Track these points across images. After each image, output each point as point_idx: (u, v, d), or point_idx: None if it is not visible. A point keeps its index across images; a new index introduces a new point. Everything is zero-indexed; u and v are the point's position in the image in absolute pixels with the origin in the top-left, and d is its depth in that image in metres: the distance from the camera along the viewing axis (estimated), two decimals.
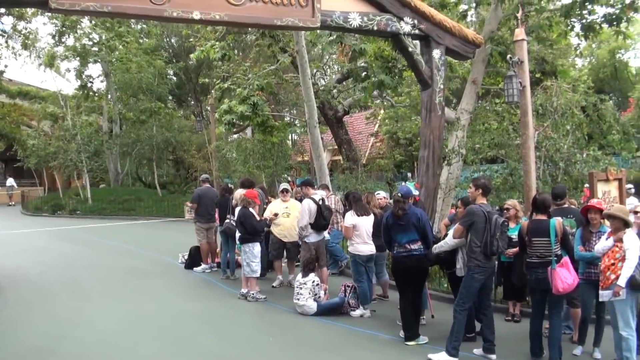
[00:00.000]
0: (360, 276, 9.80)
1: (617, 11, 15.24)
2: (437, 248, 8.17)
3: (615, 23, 15.52)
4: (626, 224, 7.13)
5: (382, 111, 28.68)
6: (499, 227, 7.34)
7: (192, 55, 18.51)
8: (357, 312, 9.70)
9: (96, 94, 36.61)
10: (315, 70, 21.62)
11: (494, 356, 7.66)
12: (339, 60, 23.44)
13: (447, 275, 9.02)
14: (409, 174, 21.27)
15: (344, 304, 9.79)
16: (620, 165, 17.94)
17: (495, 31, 15.35)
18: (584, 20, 15.77)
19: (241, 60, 22.46)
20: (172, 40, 39.94)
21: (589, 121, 12.41)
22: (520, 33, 10.79)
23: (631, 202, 14.44)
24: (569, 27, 16.01)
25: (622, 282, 6.86)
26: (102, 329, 8.77)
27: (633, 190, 15.82)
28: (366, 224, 9.71)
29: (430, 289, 10.38)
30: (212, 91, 26.63)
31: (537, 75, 15.72)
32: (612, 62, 50.09)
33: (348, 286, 9.97)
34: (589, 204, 7.95)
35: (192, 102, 42.29)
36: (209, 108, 30.08)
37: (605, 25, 15.71)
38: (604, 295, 7.12)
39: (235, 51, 25.13)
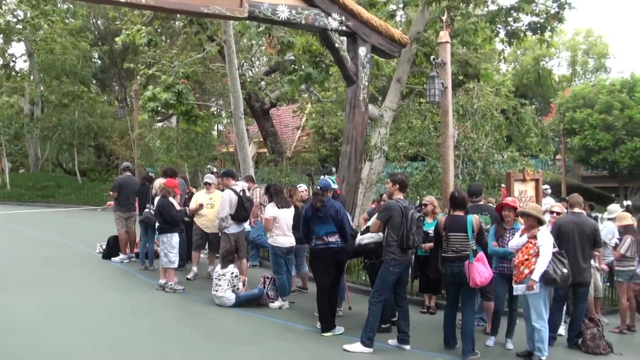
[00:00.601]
0: (279, 268, 9.81)
1: (542, 20, 15.79)
2: (363, 239, 8.29)
3: (539, 32, 16.08)
4: (540, 222, 7.44)
5: (309, 105, 28.73)
6: (415, 222, 7.50)
7: (117, 39, 18.03)
8: (276, 304, 9.71)
9: (18, 74, 35.32)
10: (243, 61, 21.42)
11: (408, 347, 7.84)
12: (266, 53, 23.29)
13: (366, 267, 9.14)
14: (334, 169, 21.44)
15: (263, 296, 9.79)
16: (538, 166, 18.58)
17: (421, 32, 15.62)
18: (509, 27, 16.27)
19: (168, 47, 22.06)
20: (99, 22, 38.93)
21: (508, 124, 12.79)
22: (444, 35, 10.99)
23: (547, 202, 15.04)
24: (494, 33, 16.41)
25: (536, 276, 7.22)
26: (17, 320, 8.44)
27: (549, 191, 16.45)
28: (286, 216, 9.73)
29: (349, 281, 10.52)
30: (137, 77, 26.07)
31: (460, 78, 16.08)
32: (536, 68, 51.86)
33: (267, 278, 9.99)
34: (503, 201, 8.22)
35: (117, 88, 41.31)
36: (133, 94, 29.45)
37: (529, 34, 16.25)
38: (518, 289, 7.44)
39: (163, 37, 24.65)
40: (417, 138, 12.54)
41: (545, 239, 7.32)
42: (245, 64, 22.03)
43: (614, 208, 10.60)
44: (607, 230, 10.04)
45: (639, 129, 33.23)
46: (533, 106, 51.82)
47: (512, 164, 11.62)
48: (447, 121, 10.79)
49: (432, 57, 11.23)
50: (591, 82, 41.55)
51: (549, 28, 15.94)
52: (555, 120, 37.14)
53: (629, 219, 9.60)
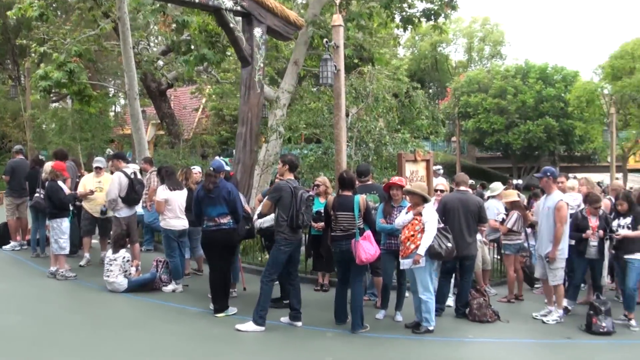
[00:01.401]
0: (172, 251, 9.68)
1: (436, 7, 16.21)
2: (264, 223, 8.31)
3: (433, 18, 16.50)
4: (424, 200, 7.71)
5: (208, 87, 28.33)
6: (305, 202, 7.58)
7: (9, 13, 17.08)
8: (169, 287, 9.58)
9: None
10: (139, 40, 20.73)
11: (299, 323, 7.94)
12: (161, 32, 22.68)
13: (266, 248, 9.16)
14: (235, 151, 21.19)
15: (156, 280, 9.62)
16: (429, 148, 19.07)
17: (317, 15, 15.66)
18: (404, 13, 16.61)
19: (62, 23, 21.12)
20: None
21: (401, 106, 13.07)
22: (337, 19, 11.05)
23: (438, 181, 15.56)
24: (389, 18, 16.68)
25: (421, 251, 7.50)
26: None
27: (441, 171, 16.99)
28: (178, 198, 9.60)
29: (244, 262, 10.52)
30: (30, 54, 24.83)
31: (356, 61, 16.29)
32: (433, 54, 53.36)
33: (160, 261, 9.82)
34: (391, 181, 8.45)
35: (10, 65, 39.24)
36: (25, 73, 28.09)
37: (424, 20, 16.64)
38: (405, 263, 7.71)
39: (59, 12, 23.60)
40: (311, 120, 12.63)
41: (430, 215, 7.60)
42: (141, 42, 21.35)
43: (496, 186, 11.06)
44: (492, 207, 10.48)
45: (531, 113, 34.95)
46: (430, 90, 53.87)
47: (403, 146, 11.89)
48: (340, 103, 10.90)
49: (325, 40, 11.29)
50: (486, 68, 43.12)
51: (443, 15, 16.42)
52: (451, 104, 38.46)
53: (515, 196, 10.08)
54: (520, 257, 10.05)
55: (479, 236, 10.31)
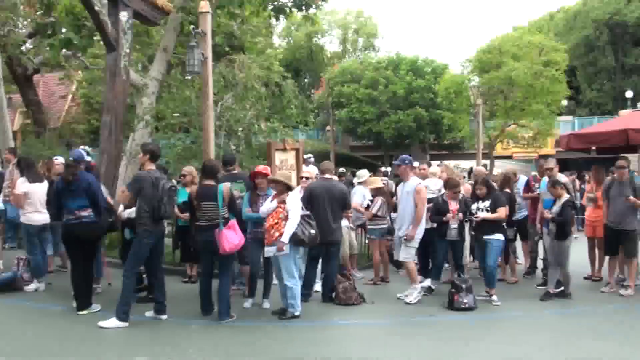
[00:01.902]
0: (33, 248, 9.26)
1: None
2: (132, 213, 8.10)
3: (304, 8, 16.60)
4: (288, 188, 7.79)
5: (78, 73, 27.02)
6: (167, 192, 7.46)
7: None
8: (32, 286, 9.16)
9: None
10: (5, 22, 19.36)
11: (164, 316, 7.82)
12: (27, 13, 21.36)
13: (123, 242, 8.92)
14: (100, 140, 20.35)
15: (17, 279, 9.18)
16: (304, 137, 19.15)
17: (188, 1, 15.37)
18: (275, 2, 16.60)
19: None
20: None
21: (271, 96, 13.08)
22: (204, 5, 10.91)
23: (309, 169, 15.73)
24: (261, 7, 16.62)
25: (285, 238, 7.58)
26: None
27: (312, 159, 17.19)
28: (39, 191, 9.18)
29: (109, 257, 10.23)
30: None
31: (227, 49, 16.15)
32: (309, 44, 53.87)
33: (21, 259, 9.39)
34: (255, 169, 8.47)
35: None
36: None
37: (295, 10, 16.69)
38: (269, 251, 7.78)
39: None
40: (180, 108, 12.42)
41: (293, 203, 7.70)
42: (7, 24, 19.99)
43: (363, 173, 11.34)
44: (359, 193, 10.75)
45: (401, 103, 36.06)
46: (306, 80, 54.40)
47: (273, 135, 11.96)
48: (208, 92, 10.78)
49: (192, 26, 11.12)
50: (359, 60, 44.03)
51: (314, 6, 16.57)
52: (325, 94, 39.05)
53: (379, 182, 10.41)
54: (386, 240, 10.38)
55: (345, 222, 10.61)
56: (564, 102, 48.11)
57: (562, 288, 9.18)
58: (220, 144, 11.92)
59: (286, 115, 13.07)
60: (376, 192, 10.15)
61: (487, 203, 8.96)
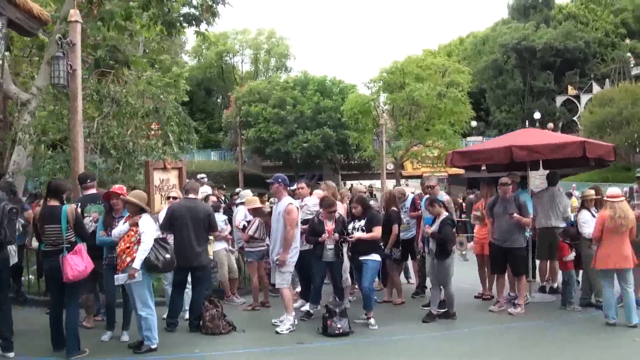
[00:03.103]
0: None
1: (197, 13, 15.70)
2: None
3: (194, 23, 15.98)
4: (142, 210, 7.13)
5: None
6: (7, 215, 6.68)
7: None
8: None
9: None
10: None
11: (11, 354, 6.96)
12: None
13: None
14: None
15: None
16: (210, 156, 18.20)
17: (86, 11, 14.49)
18: (166, 17, 15.90)
19: None
20: None
21: (154, 112, 12.37)
22: (74, 14, 10.25)
23: (204, 189, 15.06)
24: (152, 21, 15.92)
25: (137, 264, 6.90)
26: None
27: (206, 179, 16.56)
28: None
29: None
30: None
31: (112, 63, 15.31)
32: (219, 63, 53.35)
33: None
34: (111, 189, 7.79)
35: None
36: None
37: (186, 25, 16.06)
38: (120, 278, 7.07)
39: None
40: (55, 125, 11.55)
41: (146, 226, 7.03)
42: None
43: (245, 193, 10.84)
44: (241, 213, 10.20)
45: (309, 123, 35.88)
46: (218, 100, 53.64)
47: (150, 152, 11.27)
48: (76, 107, 10.03)
49: (58, 36, 10.36)
50: (268, 79, 43.79)
51: (204, 21, 15.96)
52: (233, 113, 38.52)
53: (257, 203, 9.85)
54: (265, 263, 9.81)
55: (224, 244, 10.04)
56: (474, 123, 49.41)
57: (446, 309, 8.86)
58: (96, 162, 11.18)
59: (165, 132, 12.31)
60: (254, 212, 9.60)
61: (363, 222, 8.55)
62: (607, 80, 49.17)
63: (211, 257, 9.70)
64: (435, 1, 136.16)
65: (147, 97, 12.34)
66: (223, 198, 17.11)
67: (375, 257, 8.51)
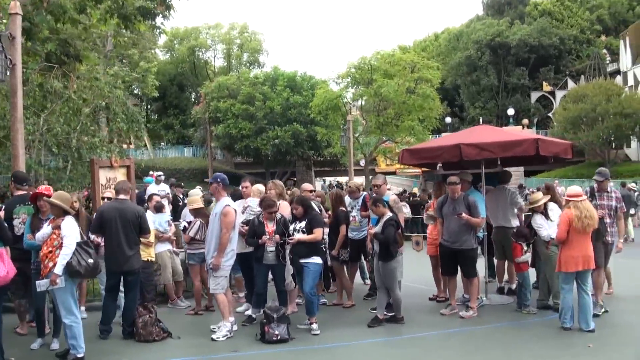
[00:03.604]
0: None
1: (152, 6, 15.29)
2: None
3: (149, 17, 15.57)
4: (65, 212, 6.80)
5: None
6: None
7: None
8: None
9: None
10: None
11: None
12: None
13: None
14: None
15: None
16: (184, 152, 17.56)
17: (27, 6, 14.07)
18: (122, 10, 15.48)
19: None
20: None
21: (105, 109, 12.00)
22: (14, 6, 9.84)
23: (162, 188, 14.71)
24: (108, 14, 15.51)
25: (58, 269, 6.57)
26: None
27: (163, 177, 16.27)
28: None
29: None
30: None
31: (63, 57, 14.87)
32: (191, 58, 52.79)
33: None
34: (37, 190, 7.44)
35: None
36: None
37: (140, 19, 15.64)
38: (41, 284, 6.73)
39: None
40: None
41: (69, 229, 6.68)
42: None
43: (193, 192, 10.53)
44: (183, 214, 9.91)
45: (279, 119, 35.50)
46: (192, 95, 53.10)
47: (94, 150, 10.90)
48: (16, 103, 9.58)
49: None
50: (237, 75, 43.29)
51: (161, 14, 15.57)
52: (202, 109, 38.07)
53: (200, 203, 9.53)
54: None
55: (168, 246, 9.74)
56: (448, 119, 49.45)
57: (393, 313, 8.61)
58: (40, 160, 10.80)
59: (110, 128, 11.92)
60: (195, 213, 9.28)
61: (304, 223, 8.25)
62: (582, 76, 49.39)
63: (153, 259, 9.45)
64: None
65: (95, 93, 11.95)
66: (181, 196, 16.84)
67: (317, 260, 8.22)
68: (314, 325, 8.15)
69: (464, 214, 8.69)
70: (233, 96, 36.57)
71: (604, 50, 53.29)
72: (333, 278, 10.53)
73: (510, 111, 45.21)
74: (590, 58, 50.02)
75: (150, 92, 38.58)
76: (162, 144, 54.56)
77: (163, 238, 9.73)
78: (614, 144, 40.81)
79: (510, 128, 42.01)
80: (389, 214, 8.40)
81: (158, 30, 16.49)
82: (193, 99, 53.11)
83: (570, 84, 49.55)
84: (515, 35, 50.30)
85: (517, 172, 42.49)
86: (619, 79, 46.16)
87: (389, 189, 10.57)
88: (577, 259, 7.82)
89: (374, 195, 9.18)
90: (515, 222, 9.91)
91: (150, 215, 9.93)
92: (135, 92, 42.55)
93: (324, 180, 59.17)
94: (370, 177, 30.74)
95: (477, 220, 8.87)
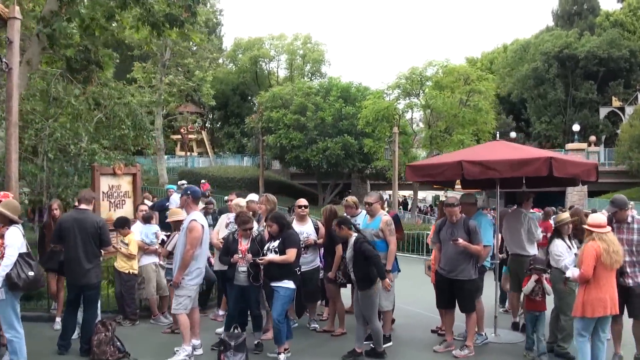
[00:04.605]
0: None
1: (179, 13, 15.13)
2: None
3: (177, 24, 15.42)
4: (12, 221, 6.47)
5: None
6: None
7: None
8: None
9: None
10: None
11: None
12: None
13: None
14: None
15: None
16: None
17: (56, 11, 14.11)
18: (150, 17, 15.40)
19: None
20: None
21: (112, 116, 11.78)
22: (13, 10, 9.74)
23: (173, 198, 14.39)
24: (140, 22, 15.47)
25: None
26: None
27: (185, 185, 15.94)
28: None
29: None
30: None
31: (84, 63, 14.83)
32: (254, 68, 53.05)
33: None
34: None
35: None
36: None
37: (168, 25, 15.51)
38: None
39: None
40: None
41: (12, 239, 6.35)
42: None
43: (174, 200, 10.09)
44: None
45: (330, 130, 34.94)
46: (253, 103, 53.28)
47: (91, 157, 10.65)
48: (11, 106, 9.48)
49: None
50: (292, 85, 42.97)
51: (189, 21, 15.39)
52: (256, 119, 37.95)
53: (180, 215, 9.06)
54: None
55: (153, 258, 9.37)
56: (513, 134, 47.81)
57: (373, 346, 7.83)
58: (43, 165, 10.66)
59: (114, 136, 11.66)
60: (174, 226, 8.82)
61: (277, 243, 7.58)
62: None
63: (136, 272, 9.11)
64: (482, 9, 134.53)
65: (106, 98, 11.76)
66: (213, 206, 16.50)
67: (288, 284, 7.52)
68: (282, 356, 7.51)
69: (460, 240, 7.80)
70: (286, 106, 36.30)
71: None
72: (326, 302, 9.80)
73: (576, 127, 42.95)
74: None
75: (207, 101, 38.79)
76: (221, 152, 55.05)
77: (149, 250, 9.37)
78: None
79: (575, 145, 40.25)
80: (354, 235, 7.64)
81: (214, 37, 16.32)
82: (254, 109, 53.42)
83: None
84: (584, 47, 48.02)
85: (581, 192, 40.42)
86: None
87: (388, 207, 9.84)
88: (604, 302, 6.63)
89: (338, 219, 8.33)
90: (532, 250, 9.06)
91: (137, 226, 9.61)
92: (200, 100, 43.00)
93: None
94: (420, 192, 29.94)
95: (477, 248, 7.92)
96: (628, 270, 7.45)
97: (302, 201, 9.12)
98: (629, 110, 46.33)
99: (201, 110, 57.02)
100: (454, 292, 8.13)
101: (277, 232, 7.66)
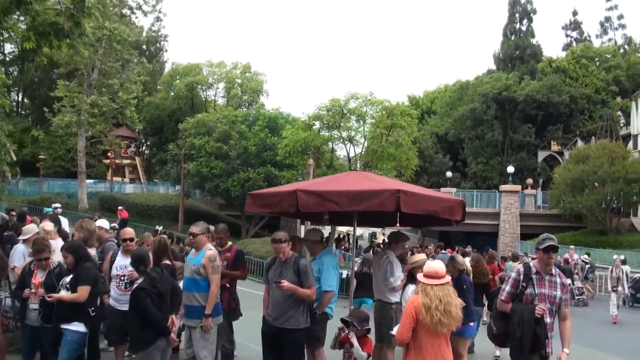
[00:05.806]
0: None
1: (62, 21, 14.17)
2: None
3: (62, 35, 14.43)
4: None
5: None
6: None
7: None
8: None
9: None
10: None
11: None
12: None
13: None
14: None
15: None
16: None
17: None
18: (39, 27, 14.39)
19: None
20: None
21: None
22: None
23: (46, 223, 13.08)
24: (30, 31, 14.43)
25: None
26: None
27: (60, 210, 14.80)
28: None
29: None
30: None
31: None
32: (189, 95, 52.08)
33: None
34: None
35: None
36: None
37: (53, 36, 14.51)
38: None
39: None
40: None
41: None
42: None
43: (29, 229, 8.83)
44: (19, 252, 8.24)
45: (253, 160, 33.84)
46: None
47: None
48: None
49: None
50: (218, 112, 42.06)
51: (73, 32, 14.39)
52: (179, 145, 36.91)
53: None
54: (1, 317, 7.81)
55: None
56: (449, 174, 47.54)
57: None
58: None
59: None
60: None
61: (69, 278, 6.38)
62: (593, 138, 46.91)
63: None
64: (430, 49, 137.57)
65: None
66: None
67: (79, 327, 6.29)
68: None
69: (285, 282, 6.62)
70: (210, 133, 35.19)
71: (619, 112, 50.76)
72: None
73: (510, 169, 42.77)
74: (603, 119, 47.42)
75: (133, 124, 37.60)
76: (156, 179, 53.68)
77: None
78: (618, 211, 38.02)
79: (509, 186, 40.10)
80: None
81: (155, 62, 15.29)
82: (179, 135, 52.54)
83: (580, 144, 47.07)
84: (523, 91, 48.25)
85: (513, 235, 40.13)
86: (631, 143, 43.75)
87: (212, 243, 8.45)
88: None
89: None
90: (394, 298, 8.14)
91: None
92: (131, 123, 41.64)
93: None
94: (359, 229, 28.87)
95: (306, 292, 6.74)
96: (549, 335, 6.11)
97: (128, 233, 7.95)
98: (567, 155, 46.46)
99: (135, 135, 55.52)
100: (281, 344, 6.91)
101: (72, 264, 6.52)
